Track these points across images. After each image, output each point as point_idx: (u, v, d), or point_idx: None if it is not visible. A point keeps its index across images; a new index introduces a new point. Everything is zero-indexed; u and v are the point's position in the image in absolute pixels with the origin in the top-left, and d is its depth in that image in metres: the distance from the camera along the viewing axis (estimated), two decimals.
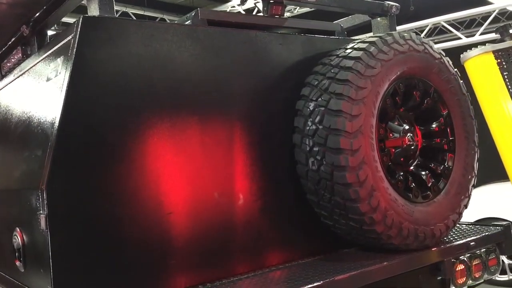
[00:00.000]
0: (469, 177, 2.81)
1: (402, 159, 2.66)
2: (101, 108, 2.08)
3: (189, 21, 2.47)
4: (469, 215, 3.74)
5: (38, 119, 2.25)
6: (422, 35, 9.52)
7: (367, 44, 2.50)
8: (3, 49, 3.31)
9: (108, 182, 2.05)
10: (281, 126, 2.56)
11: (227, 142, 2.41)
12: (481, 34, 9.58)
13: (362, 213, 2.36)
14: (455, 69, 2.86)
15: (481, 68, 4.08)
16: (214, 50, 2.43)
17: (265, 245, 2.48)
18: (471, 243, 2.80)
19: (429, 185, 2.68)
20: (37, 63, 2.51)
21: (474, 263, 2.82)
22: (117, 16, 2.24)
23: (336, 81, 2.41)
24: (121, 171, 2.08)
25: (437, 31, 11.09)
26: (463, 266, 2.75)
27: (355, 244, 2.69)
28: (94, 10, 2.15)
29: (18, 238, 2.23)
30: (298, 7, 9.67)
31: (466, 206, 2.80)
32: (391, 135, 2.63)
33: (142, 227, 2.11)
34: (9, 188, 2.43)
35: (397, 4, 3.25)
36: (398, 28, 3.82)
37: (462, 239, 2.82)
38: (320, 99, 2.43)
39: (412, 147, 2.67)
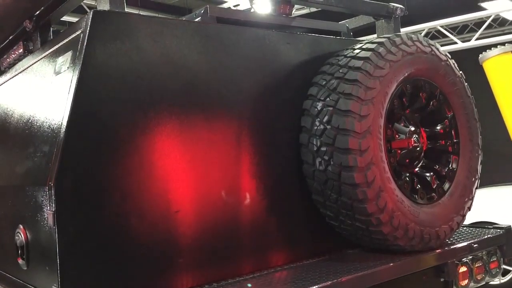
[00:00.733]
0: (473, 179, 2.82)
1: (407, 160, 2.66)
2: (110, 103, 2.05)
3: (199, 18, 2.45)
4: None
5: (45, 114, 2.21)
6: None
7: (375, 44, 2.50)
8: (4, 43, 3.27)
9: (117, 179, 2.02)
10: (288, 125, 2.55)
11: (234, 141, 2.39)
12: (477, 39, 9.66)
13: (369, 214, 2.35)
14: (460, 72, 2.88)
15: (501, 68, 4.11)
16: (223, 47, 2.41)
17: (271, 245, 2.47)
18: (474, 245, 2.81)
19: (434, 186, 2.68)
20: (44, 57, 2.47)
21: (476, 265, 2.83)
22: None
23: (345, 81, 2.40)
24: (129, 167, 2.05)
25: (430, 36, 11.18)
26: (466, 268, 2.76)
27: (360, 245, 2.69)
28: (104, 5, 2.12)
29: (21, 236, 2.19)
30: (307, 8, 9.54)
31: (469, 208, 2.81)
32: (397, 136, 2.63)
33: (150, 225, 2.08)
34: (12, 184, 2.39)
35: (402, 6, 3.26)
36: None
37: (465, 241, 2.83)
38: (328, 99, 2.42)
39: (418, 149, 2.67)
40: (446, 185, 2.73)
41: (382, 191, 2.35)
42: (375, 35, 3.11)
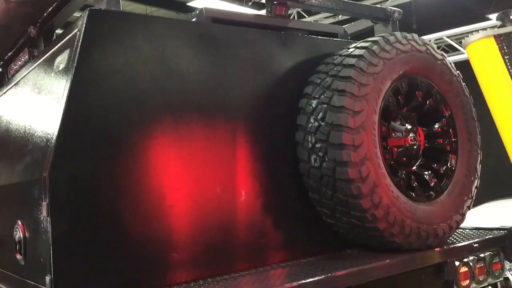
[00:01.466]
0: (472, 178, 2.80)
1: (404, 158, 2.66)
2: (105, 99, 2.10)
3: (194, 18, 2.50)
4: None
5: (43, 112, 2.26)
6: None
7: (369, 43, 2.52)
8: (11, 51, 3.36)
9: (111, 173, 2.05)
10: (284, 124, 2.57)
11: (230, 139, 2.42)
12: None
13: (364, 210, 2.35)
14: (457, 71, 2.88)
15: (483, 52, 4.10)
16: (219, 47, 2.46)
17: (267, 243, 2.47)
18: (475, 245, 2.78)
19: (432, 185, 2.67)
20: (45, 58, 2.54)
21: (478, 266, 2.79)
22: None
23: (339, 78, 2.43)
24: (123, 162, 2.08)
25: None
26: (467, 268, 2.73)
27: (357, 245, 2.68)
28: (100, 3, 2.18)
29: (19, 231, 2.23)
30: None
31: (469, 208, 2.78)
32: (393, 134, 2.63)
33: (144, 219, 2.10)
34: (12, 182, 2.44)
35: (400, 10, 3.29)
36: None
37: (466, 241, 2.80)
38: (322, 96, 2.45)
39: (415, 147, 2.67)
40: (445, 184, 2.72)
41: (376, 187, 2.35)
42: None
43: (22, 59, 3.30)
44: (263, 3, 2.97)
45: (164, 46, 2.29)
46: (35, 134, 2.28)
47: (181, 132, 2.27)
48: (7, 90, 3.24)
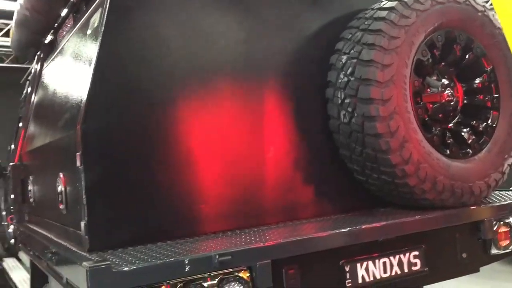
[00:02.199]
0: None
1: (441, 115, 2.57)
2: (135, 55, 2.17)
3: None
4: None
5: (80, 71, 2.38)
6: None
7: None
8: (60, 18, 3.53)
9: (141, 124, 2.14)
10: (315, 81, 2.56)
11: (260, 96, 2.45)
12: None
13: (393, 165, 2.32)
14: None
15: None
16: (248, 5, 2.47)
17: (296, 198, 2.50)
18: None
19: (470, 142, 2.58)
20: (82, 20, 2.66)
21: None
22: None
23: (369, 32, 2.38)
24: (153, 114, 2.17)
25: None
26: (507, 228, 2.63)
27: (390, 204, 2.65)
28: None
29: (61, 183, 2.38)
30: None
31: (510, 166, 2.67)
32: (428, 89, 2.55)
33: (173, 170, 2.19)
34: (55, 139, 2.60)
35: None
36: None
37: (506, 201, 2.69)
38: (352, 51, 2.41)
39: (452, 103, 2.57)
40: (484, 141, 2.61)
41: (406, 142, 2.30)
42: None
43: (68, 25, 3.46)
44: None
45: (194, 4, 2.33)
46: (73, 93, 2.41)
47: (211, 88, 2.32)
48: (55, 56, 3.42)
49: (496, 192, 2.93)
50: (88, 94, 2.07)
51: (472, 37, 2.62)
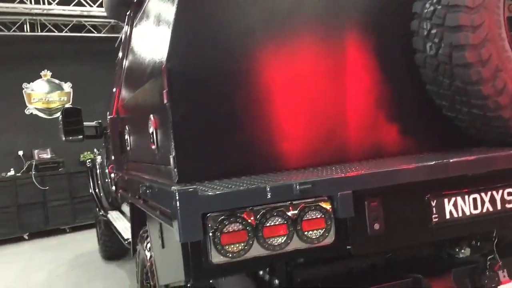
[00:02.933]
0: None
1: None
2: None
3: None
4: None
5: (164, 17, 2.48)
6: None
7: None
8: None
9: (224, 62, 2.20)
10: (398, 12, 2.46)
11: (343, 32, 2.41)
12: None
13: (486, 97, 2.18)
14: None
15: None
16: None
17: (381, 136, 2.45)
18: None
19: None
20: None
21: None
22: None
23: None
24: (236, 52, 2.23)
25: None
26: None
27: (484, 143, 2.50)
28: None
29: (151, 124, 2.52)
30: None
31: None
32: None
33: (258, 106, 2.24)
34: (144, 86, 2.74)
35: None
36: None
37: None
38: None
39: None
40: None
41: (500, 71, 2.15)
42: None
43: None
44: None
45: None
46: (159, 40, 2.52)
47: (293, 26, 2.33)
48: (142, 13, 3.57)
49: None
50: (171, 37, 2.16)
51: None
